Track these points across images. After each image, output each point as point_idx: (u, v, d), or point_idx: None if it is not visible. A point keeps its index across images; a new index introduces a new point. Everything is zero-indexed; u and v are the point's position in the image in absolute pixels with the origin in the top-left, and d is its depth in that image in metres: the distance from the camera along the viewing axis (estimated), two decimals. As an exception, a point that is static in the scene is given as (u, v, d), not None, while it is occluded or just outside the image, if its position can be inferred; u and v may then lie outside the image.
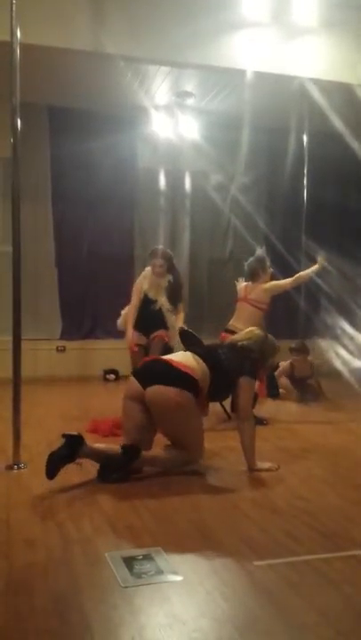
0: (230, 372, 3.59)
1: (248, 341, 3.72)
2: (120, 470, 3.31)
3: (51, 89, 6.65)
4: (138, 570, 2.20)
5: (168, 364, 3.53)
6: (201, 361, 3.55)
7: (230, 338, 3.98)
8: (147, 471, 3.43)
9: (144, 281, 5.16)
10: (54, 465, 3.14)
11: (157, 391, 3.38)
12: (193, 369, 3.49)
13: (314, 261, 5.43)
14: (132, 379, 3.59)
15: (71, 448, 3.19)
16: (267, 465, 3.58)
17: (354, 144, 6.49)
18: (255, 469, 3.52)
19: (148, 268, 5.20)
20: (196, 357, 3.58)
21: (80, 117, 7.26)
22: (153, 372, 3.53)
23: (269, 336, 3.87)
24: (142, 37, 5.17)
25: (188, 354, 3.64)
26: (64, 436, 3.24)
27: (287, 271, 7.39)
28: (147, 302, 5.11)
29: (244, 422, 3.55)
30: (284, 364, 6.12)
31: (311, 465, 3.71)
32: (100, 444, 3.46)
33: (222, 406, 4.79)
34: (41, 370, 7.04)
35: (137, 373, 3.64)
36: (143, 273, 5.25)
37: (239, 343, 3.73)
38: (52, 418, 5.00)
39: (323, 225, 8.11)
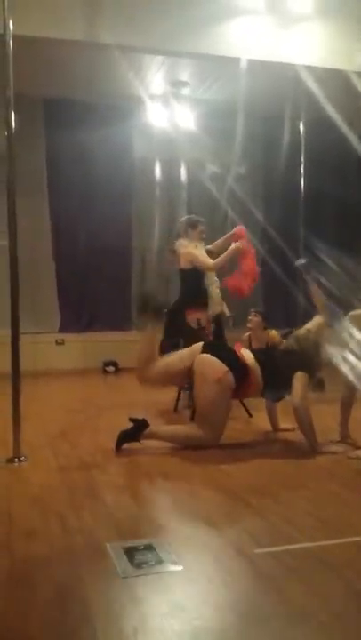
0: (285, 370, 3.83)
1: (293, 343, 4.01)
2: (131, 439, 3.69)
3: (45, 81, 6.62)
4: (139, 560, 2.20)
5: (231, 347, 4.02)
6: (255, 360, 3.85)
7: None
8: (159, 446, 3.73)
9: (195, 249, 4.85)
10: (120, 441, 3.67)
11: (205, 359, 3.75)
12: (248, 359, 3.82)
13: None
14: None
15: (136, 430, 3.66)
16: (333, 448, 3.73)
17: (350, 132, 6.46)
18: (320, 452, 3.66)
19: (183, 241, 4.95)
20: (252, 354, 3.91)
21: (75, 109, 7.24)
22: (216, 344, 4.11)
23: (311, 334, 4.06)
24: (137, 26, 5.14)
25: (248, 351, 3.99)
26: (131, 419, 3.71)
27: (285, 262, 7.40)
28: (200, 275, 4.92)
29: (298, 411, 3.73)
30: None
31: (310, 452, 3.71)
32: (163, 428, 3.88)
33: (244, 406, 4.76)
34: (40, 363, 7.04)
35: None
36: (186, 242, 4.93)
37: (289, 347, 4.01)
38: (52, 411, 5.01)
39: (321, 214, 8.10)
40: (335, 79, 5.67)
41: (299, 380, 3.78)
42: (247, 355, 3.90)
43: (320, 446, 3.71)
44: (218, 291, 5.00)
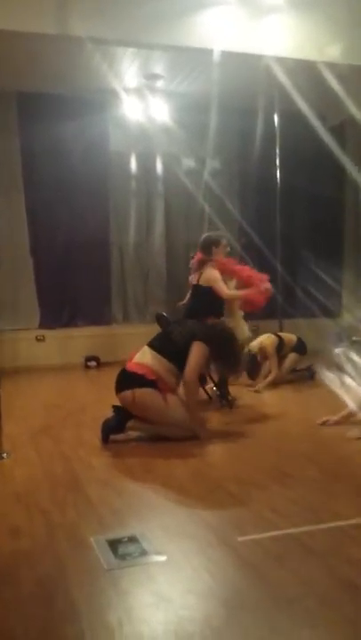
0: (186, 345, 3.80)
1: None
2: (115, 430, 3.75)
3: (18, 74, 6.55)
4: (122, 552, 2.21)
5: (123, 369, 3.88)
6: (154, 352, 3.83)
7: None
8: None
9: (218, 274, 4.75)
10: (106, 433, 3.72)
11: (121, 397, 3.80)
12: (142, 364, 3.78)
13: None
14: None
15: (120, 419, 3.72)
16: (204, 432, 3.80)
17: (323, 123, 6.49)
18: (194, 425, 3.77)
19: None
20: (151, 350, 3.86)
21: (49, 102, 7.17)
22: (116, 382, 3.86)
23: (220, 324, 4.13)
24: (108, 18, 5.10)
25: (146, 349, 3.91)
26: (113, 407, 3.76)
27: (261, 256, 7.41)
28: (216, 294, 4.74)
29: (188, 384, 3.74)
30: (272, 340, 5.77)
31: (293, 440, 3.74)
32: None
33: (204, 389, 4.80)
34: (21, 360, 7.00)
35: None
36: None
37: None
38: (33, 407, 4.99)
39: (297, 206, 8.12)
40: (308, 70, 5.68)
41: (193, 351, 3.74)
42: (142, 357, 3.85)
43: (197, 422, 3.77)
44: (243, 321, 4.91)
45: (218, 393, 4.81)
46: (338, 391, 3.75)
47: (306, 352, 5.90)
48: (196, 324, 3.95)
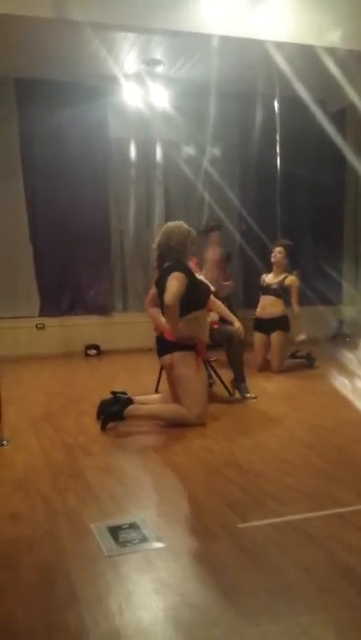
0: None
1: (164, 241, 3.96)
2: (114, 418, 3.77)
3: (16, 60, 6.49)
4: (123, 539, 2.21)
5: (159, 337, 4.02)
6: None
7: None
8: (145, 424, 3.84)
9: None
10: (105, 421, 3.76)
11: (161, 362, 4.01)
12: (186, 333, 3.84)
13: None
14: None
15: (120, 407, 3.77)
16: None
17: (321, 108, 6.43)
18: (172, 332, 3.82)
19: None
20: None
21: (48, 88, 7.11)
22: (156, 349, 4.06)
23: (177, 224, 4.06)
24: (108, 3, 5.05)
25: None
26: (112, 393, 3.85)
27: (261, 244, 7.37)
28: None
29: (169, 307, 3.70)
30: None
31: (292, 427, 3.75)
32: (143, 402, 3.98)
33: (222, 383, 4.76)
34: (21, 348, 7.00)
35: None
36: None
37: (160, 252, 3.98)
38: (34, 395, 4.99)
39: (298, 193, 8.07)
40: (308, 56, 5.63)
41: (169, 279, 3.76)
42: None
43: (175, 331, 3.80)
44: None
45: (235, 384, 4.65)
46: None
47: (288, 330, 5.88)
48: (166, 272, 3.88)
